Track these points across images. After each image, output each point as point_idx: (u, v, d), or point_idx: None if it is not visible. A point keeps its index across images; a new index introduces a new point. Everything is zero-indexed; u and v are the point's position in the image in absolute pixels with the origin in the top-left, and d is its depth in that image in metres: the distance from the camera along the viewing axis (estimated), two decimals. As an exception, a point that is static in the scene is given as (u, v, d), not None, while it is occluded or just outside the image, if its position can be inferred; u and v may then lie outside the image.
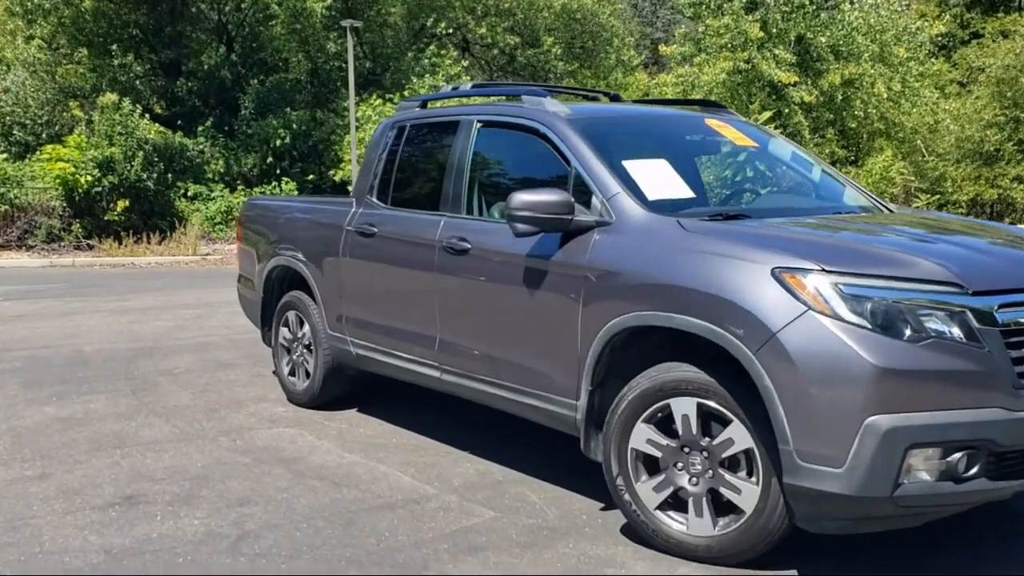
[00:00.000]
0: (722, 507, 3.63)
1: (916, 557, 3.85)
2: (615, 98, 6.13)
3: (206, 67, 24.18)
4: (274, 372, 7.19)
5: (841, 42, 23.57)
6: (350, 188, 20.68)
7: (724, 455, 3.56)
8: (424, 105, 5.61)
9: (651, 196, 4.08)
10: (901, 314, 3.23)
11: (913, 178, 24.17)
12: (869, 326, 3.21)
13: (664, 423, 3.72)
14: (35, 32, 23.82)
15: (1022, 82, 24.96)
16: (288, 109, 22.03)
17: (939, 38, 26.81)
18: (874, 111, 23.43)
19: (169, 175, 20.26)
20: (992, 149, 25.09)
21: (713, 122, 4.90)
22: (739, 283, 3.42)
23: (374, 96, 22.77)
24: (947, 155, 25.83)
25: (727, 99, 21.77)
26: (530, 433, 5.10)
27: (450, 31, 26.76)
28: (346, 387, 6.20)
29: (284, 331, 6.39)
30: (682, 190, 4.29)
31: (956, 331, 3.22)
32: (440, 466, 4.97)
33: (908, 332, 3.21)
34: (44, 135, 22.82)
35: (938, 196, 24.60)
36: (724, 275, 3.46)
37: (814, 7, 22.97)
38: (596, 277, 3.92)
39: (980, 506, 3.57)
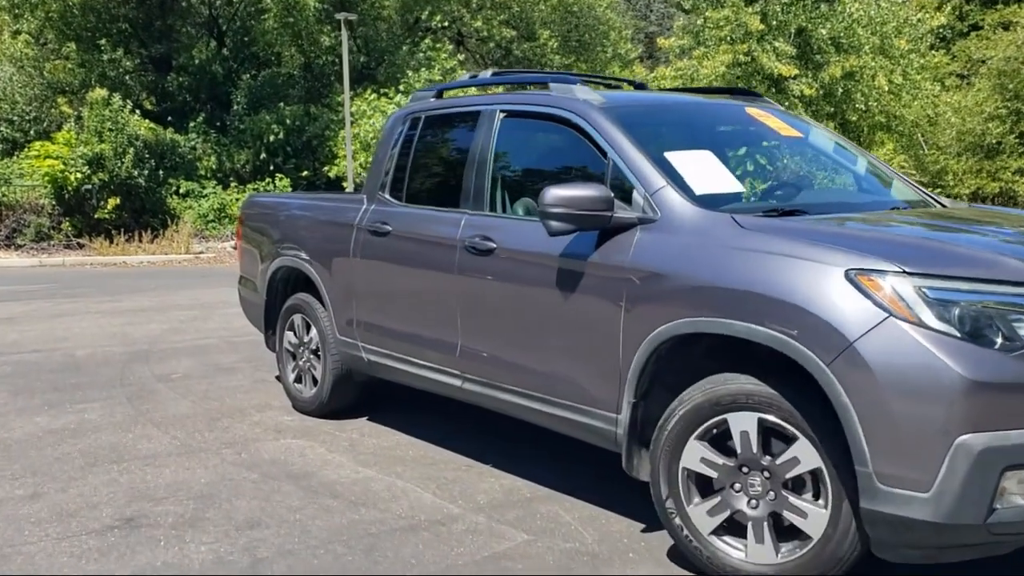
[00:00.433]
0: (784, 532, 3.30)
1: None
2: (640, 87, 5.79)
3: (197, 62, 23.76)
4: (277, 377, 6.86)
5: (842, 34, 23.24)
6: (345, 184, 20.34)
7: (788, 476, 3.24)
8: (440, 95, 5.27)
9: (698, 190, 3.75)
10: (991, 320, 2.91)
11: (914, 172, 23.91)
12: (957, 334, 2.88)
13: (719, 440, 3.39)
14: (22, 27, 23.37)
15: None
16: (281, 104, 21.62)
17: (940, 29, 26.52)
18: (875, 104, 23.12)
19: (160, 172, 19.84)
20: (993, 142, 24.84)
21: (754, 111, 4.57)
22: (809, 287, 3.08)
23: (368, 91, 22.39)
24: (948, 148, 25.58)
25: (727, 93, 21.41)
26: (554, 444, 4.77)
27: (445, 24, 26.38)
28: (356, 395, 5.87)
29: (289, 335, 6.05)
30: (730, 183, 3.96)
31: (1052, 338, 2.90)
32: (463, 482, 4.64)
33: (1000, 340, 2.89)
34: (32, 132, 22.37)
35: (939, 190, 24.34)
36: (791, 278, 3.13)
37: (814, -1, 22.67)
38: (640, 279, 3.58)
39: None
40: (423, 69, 22.53)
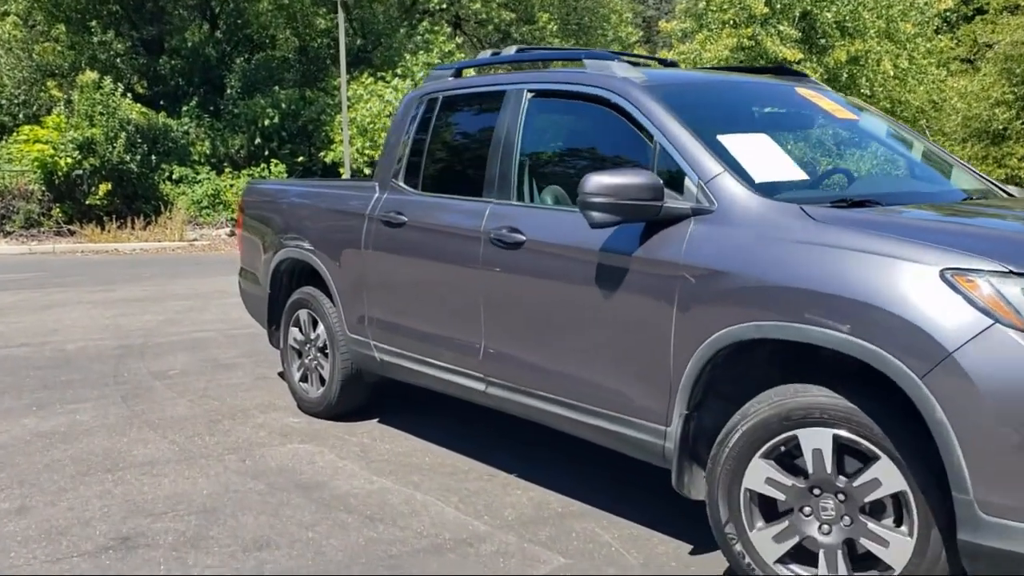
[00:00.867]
0: (861, 561, 2.95)
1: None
2: (672, 65, 5.42)
3: (190, 44, 23.26)
4: (280, 374, 6.50)
5: (847, 18, 22.87)
6: (342, 171, 19.91)
7: (867, 499, 2.88)
8: (459, 74, 4.88)
9: (758, 178, 3.38)
10: (1110, 327, 2.55)
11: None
12: (1073, 343, 2.52)
13: (787, 459, 3.03)
14: (9, 8, 22.83)
15: (1031, 59, 24.36)
16: (276, 88, 21.15)
17: (946, 12, 26.14)
18: (880, 89, 22.77)
19: (153, 157, 19.36)
20: (1000, 128, 24.50)
21: (804, 91, 4.20)
22: (898, 288, 2.72)
23: (365, 74, 21.94)
24: (953, 134, 25.24)
25: (731, 77, 21.04)
26: (583, 452, 4.41)
27: (443, 7, 25.89)
28: (366, 395, 5.51)
29: (295, 332, 5.67)
30: (791, 170, 3.59)
31: None
32: (487, 494, 4.28)
33: (1120, 349, 2.53)
34: (21, 115, 21.87)
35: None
36: (876, 278, 2.77)
37: (820, -20, 22.28)
38: (696, 277, 3.21)
39: None
40: (421, 52, 22.08)
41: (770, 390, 3.06)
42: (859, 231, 2.93)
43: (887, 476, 2.82)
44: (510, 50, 4.69)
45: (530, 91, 4.20)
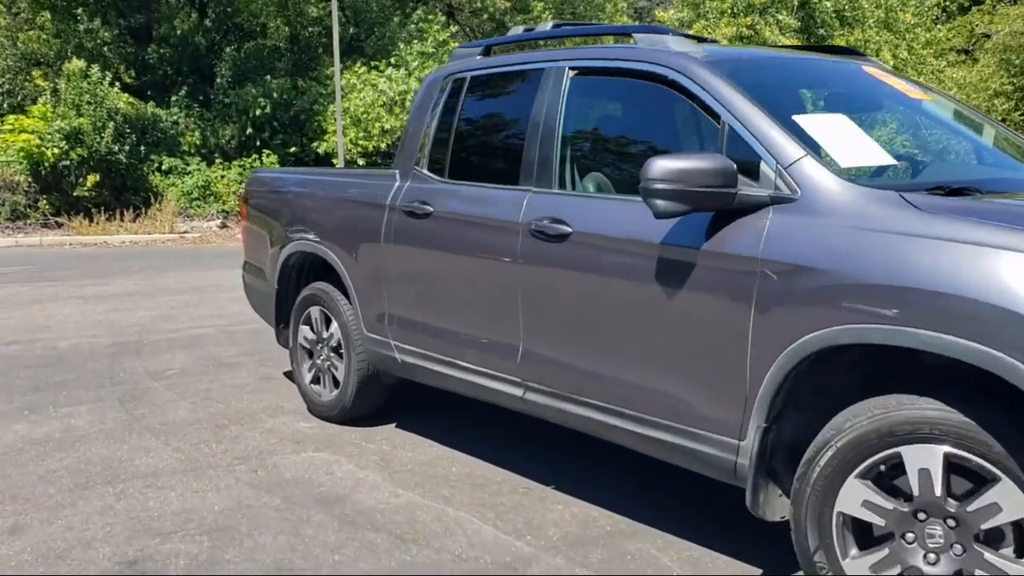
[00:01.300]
0: (971, 595, 2.61)
1: None
2: (712, 43, 5.05)
3: (178, 33, 22.74)
4: (286, 374, 6.14)
5: (846, 7, 22.59)
6: (335, 161, 19.49)
7: (983, 526, 2.54)
8: (487, 52, 4.51)
9: (843, 162, 3.03)
10: None
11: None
12: None
13: (886, 479, 2.69)
14: (-6, -5, 22.31)
15: (1031, 49, 24.10)
16: (268, 77, 20.67)
17: (943, 2, 25.87)
18: (880, 79, 22.43)
19: (142, 148, 18.87)
20: (999, 119, 24.22)
21: (873, 70, 3.85)
22: (1033, 288, 2.37)
23: (358, 63, 21.49)
24: (952, 125, 24.93)
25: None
26: (622, 461, 4.07)
27: (437, -5, 25.45)
28: (383, 398, 5.15)
29: (305, 330, 5.30)
30: (877, 154, 3.24)
31: None
32: (525, 510, 3.93)
33: None
34: (6, 105, 21.32)
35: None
36: (1005, 276, 2.42)
37: (819, -31, 21.97)
38: (778, 274, 2.86)
39: None
40: (415, 41, 21.64)
41: (866, 402, 2.72)
42: (977, 222, 2.57)
43: (1008, 500, 2.49)
44: (545, 25, 4.31)
45: (572, 69, 3.84)
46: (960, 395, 2.57)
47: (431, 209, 4.29)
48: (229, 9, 23.58)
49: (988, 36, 25.80)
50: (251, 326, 7.89)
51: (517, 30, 4.46)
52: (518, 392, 3.90)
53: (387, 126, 19.90)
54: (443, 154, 4.41)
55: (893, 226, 2.67)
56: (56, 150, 16.91)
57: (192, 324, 8.28)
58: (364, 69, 21.05)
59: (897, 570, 2.68)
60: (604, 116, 3.94)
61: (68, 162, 17.16)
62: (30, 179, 17.23)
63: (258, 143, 20.11)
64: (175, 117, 20.35)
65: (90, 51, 21.37)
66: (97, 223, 16.83)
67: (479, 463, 4.50)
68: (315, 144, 20.44)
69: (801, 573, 2.95)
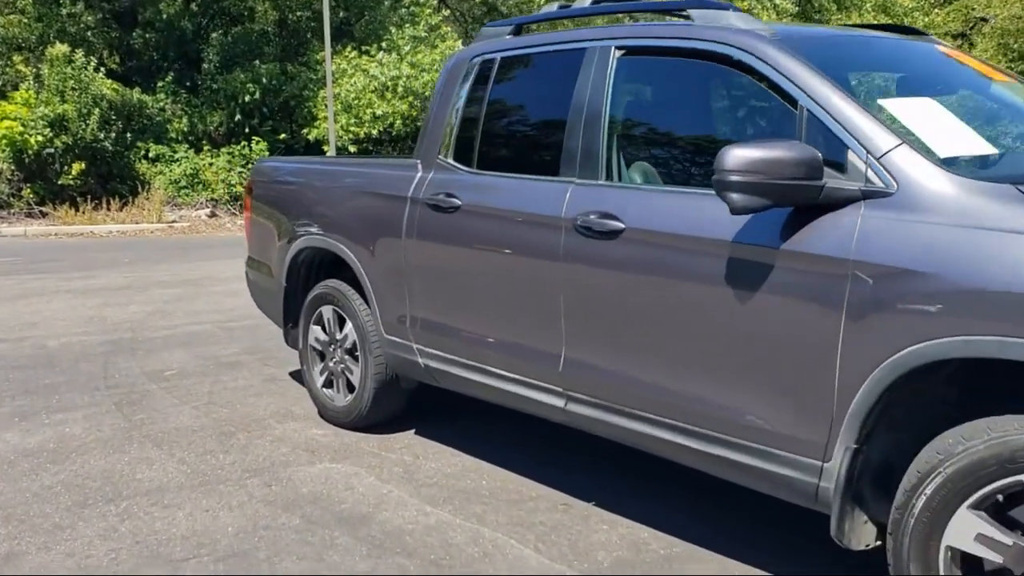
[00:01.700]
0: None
1: None
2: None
3: (164, 17, 22.19)
4: (292, 375, 5.81)
5: (844, -10, 22.31)
6: (326, 148, 19.07)
7: (1121, 565, 2.23)
8: (518, 31, 4.17)
9: (941, 152, 2.71)
10: None
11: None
12: None
13: (1004, 510, 2.38)
14: (-27, -21, 21.73)
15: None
16: (257, 62, 20.19)
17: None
18: (878, 63, 22.17)
19: (128, 135, 18.39)
20: (997, 104, 23.97)
21: (946, 50, 3.53)
22: None
23: (348, 48, 21.04)
24: (949, 110, 24.70)
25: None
26: (664, 473, 3.76)
27: (427, -22, 24.95)
28: (402, 404, 4.83)
29: (316, 331, 4.96)
30: (976, 143, 2.93)
31: None
32: (567, 530, 3.61)
33: None
34: (-13, 91, 20.80)
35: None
36: None
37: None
38: (874, 278, 2.54)
39: None
40: (407, 25, 21.20)
41: (979, 422, 2.41)
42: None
43: None
44: (583, 1, 3.96)
45: (620, 49, 3.50)
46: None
47: (459, 202, 3.96)
48: (216, -8, 23.06)
49: (985, 20, 25.53)
50: (249, 322, 7.56)
51: (551, 7, 4.11)
52: (559, 403, 3.58)
53: (379, 112, 19.49)
54: (471, 142, 4.07)
55: (1016, 225, 2.35)
56: (40, 137, 16.44)
57: (188, 320, 7.91)
58: (355, 54, 20.62)
59: (1017, 614, 2.37)
60: (656, 101, 3.61)
61: (52, 150, 16.69)
62: (13, 167, 16.75)
63: (247, 130, 19.66)
64: (162, 103, 19.87)
65: (73, 36, 20.81)
66: (83, 212, 16.39)
67: (510, 475, 4.18)
68: (305, 131, 20.01)
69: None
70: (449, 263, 4.02)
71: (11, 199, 16.66)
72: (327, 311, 4.86)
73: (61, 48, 17.73)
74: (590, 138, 3.48)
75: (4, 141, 16.41)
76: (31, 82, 18.11)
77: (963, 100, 3.42)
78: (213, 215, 17.65)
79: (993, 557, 2.38)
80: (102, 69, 18.56)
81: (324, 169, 5.10)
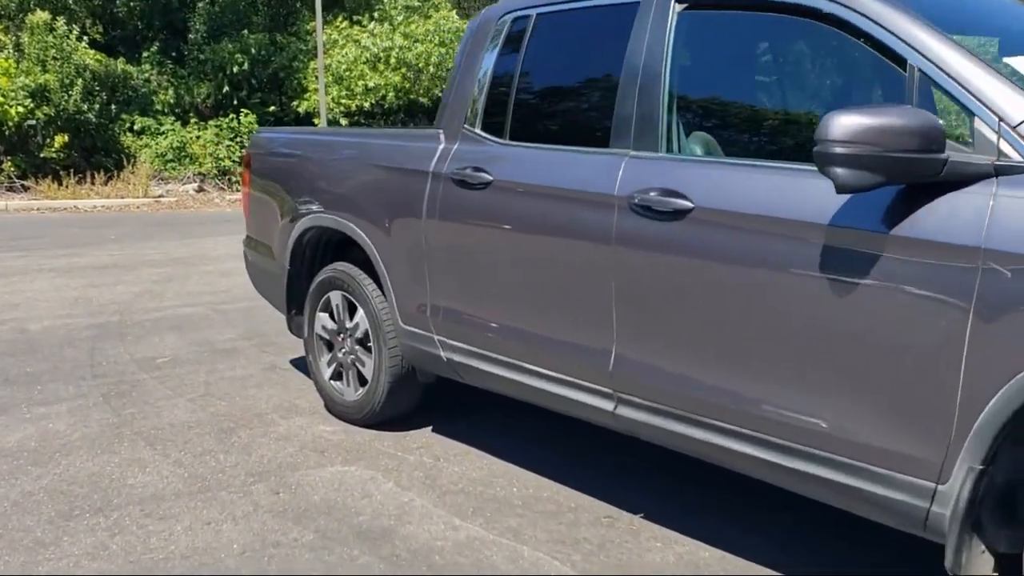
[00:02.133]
0: None
1: None
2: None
3: (148, -16, 21.56)
4: (293, 362, 5.41)
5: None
6: (317, 121, 18.54)
7: None
8: (556, -15, 3.72)
9: (1090, 121, 2.29)
10: None
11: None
12: None
13: None
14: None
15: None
16: (245, 32, 19.59)
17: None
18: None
19: (112, 106, 17.80)
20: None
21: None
22: None
23: (340, 18, 20.48)
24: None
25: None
26: (723, 476, 3.36)
27: (419, -54, 24.31)
28: (417, 399, 4.42)
29: (323, 318, 4.54)
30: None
31: None
32: (615, 547, 3.21)
33: None
34: (-36, 61, 20.12)
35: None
36: None
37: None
38: (1013, 271, 2.13)
39: None
40: (402, -8, 20.64)
41: None
42: None
43: None
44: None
45: (680, 2, 3.07)
46: None
47: (489, 178, 3.52)
48: (202, -40, 22.38)
49: None
50: (244, 304, 7.14)
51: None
52: (607, 405, 3.17)
53: (371, 84, 18.97)
54: (503, 110, 3.63)
55: None
56: (21, 108, 15.86)
57: (179, 302, 7.47)
58: (346, 24, 20.07)
59: None
60: (725, 61, 3.17)
61: (34, 121, 16.12)
62: (-7, 139, 16.20)
63: (235, 102, 19.09)
64: (147, 74, 19.28)
65: (54, 3, 20.13)
66: (66, 187, 15.85)
67: (543, 481, 3.77)
68: (295, 103, 19.47)
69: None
70: (477, 246, 3.59)
71: (-9, 173, 16.10)
72: (336, 297, 4.43)
73: (42, 16, 17.11)
74: (648, 104, 3.05)
75: (-17, 112, 15.82)
76: (11, 51, 17.48)
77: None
78: (201, 190, 17.13)
79: None
80: (85, 38, 17.95)
81: (332, 140, 4.64)
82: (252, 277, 5.27)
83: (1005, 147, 2.24)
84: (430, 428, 4.41)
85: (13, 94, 15.88)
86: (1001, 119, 2.26)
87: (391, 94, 19.06)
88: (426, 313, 3.88)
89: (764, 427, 2.68)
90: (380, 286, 4.15)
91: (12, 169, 16.12)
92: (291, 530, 3.34)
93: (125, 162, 16.94)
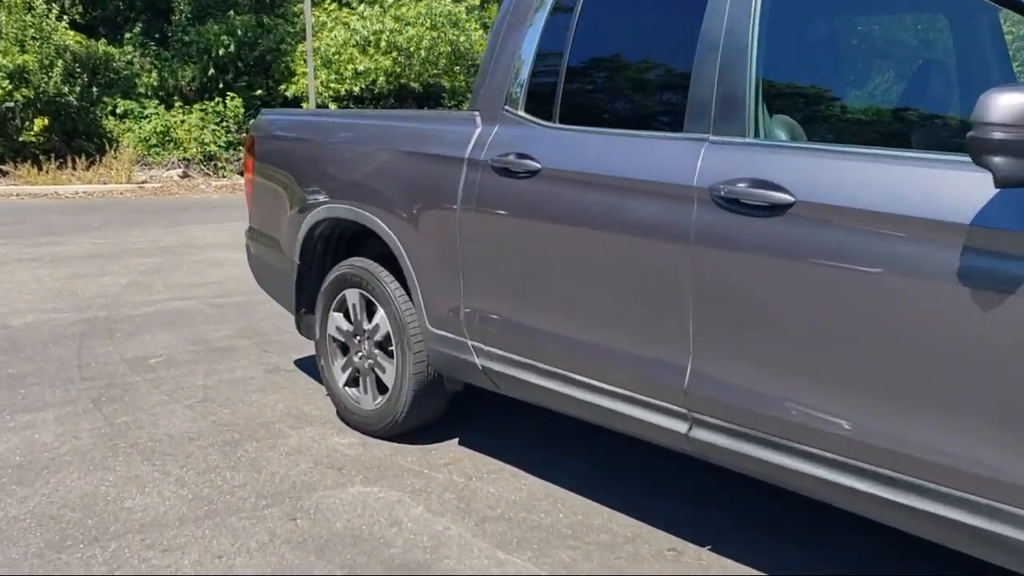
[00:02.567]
0: None
1: None
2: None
3: (130, -36, 20.95)
4: (299, 364, 5.00)
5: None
6: (305, 105, 18.02)
7: None
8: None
9: None
10: None
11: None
12: None
13: None
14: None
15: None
16: (231, 13, 19.03)
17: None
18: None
19: (94, 89, 17.22)
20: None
21: None
22: None
23: (328, 0, 19.95)
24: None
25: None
26: (798, 500, 2.98)
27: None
28: (443, 409, 4.01)
29: (338, 319, 4.12)
30: None
31: None
32: (691, 587, 2.82)
33: None
34: (-60, 42, 19.48)
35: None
36: None
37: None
38: None
39: None
40: (391, -24, 20.09)
41: None
42: None
43: None
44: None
45: (771, -39, 2.66)
46: None
47: (537, 165, 3.11)
48: (186, -62, 21.76)
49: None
50: (239, 297, 6.73)
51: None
52: (680, 427, 2.77)
53: (360, 68, 18.48)
54: (552, 89, 3.22)
55: None
56: (-1, 90, 15.29)
57: (169, 295, 7.02)
58: (335, 6, 19.56)
59: None
60: (828, 31, 2.77)
61: (12, 104, 15.54)
62: (-31, 123, 15.62)
63: (221, 85, 18.55)
64: (129, 56, 18.69)
65: (33, -17, 19.54)
66: (47, 171, 15.30)
67: (592, 505, 3.38)
68: (283, 87, 18.95)
69: None
70: (523, 242, 3.18)
71: (-32, 156, 15.53)
72: (352, 295, 4.01)
73: (20, -6, 16.52)
74: (731, 81, 2.65)
75: (-41, 94, 15.25)
76: (-12, 31, 16.87)
77: None
78: (186, 175, 16.61)
79: None
80: (64, 18, 17.35)
81: (349, 123, 4.20)
82: (255, 272, 4.84)
83: None
84: (456, 440, 4.01)
85: (-9, 75, 15.30)
86: None
87: (381, 78, 18.59)
88: (459, 316, 3.47)
89: (887, 461, 2.29)
90: (404, 284, 3.75)
91: (-10, 153, 15.56)
92: (314, 565, 2.93)
93: (107, 147, 16.39)
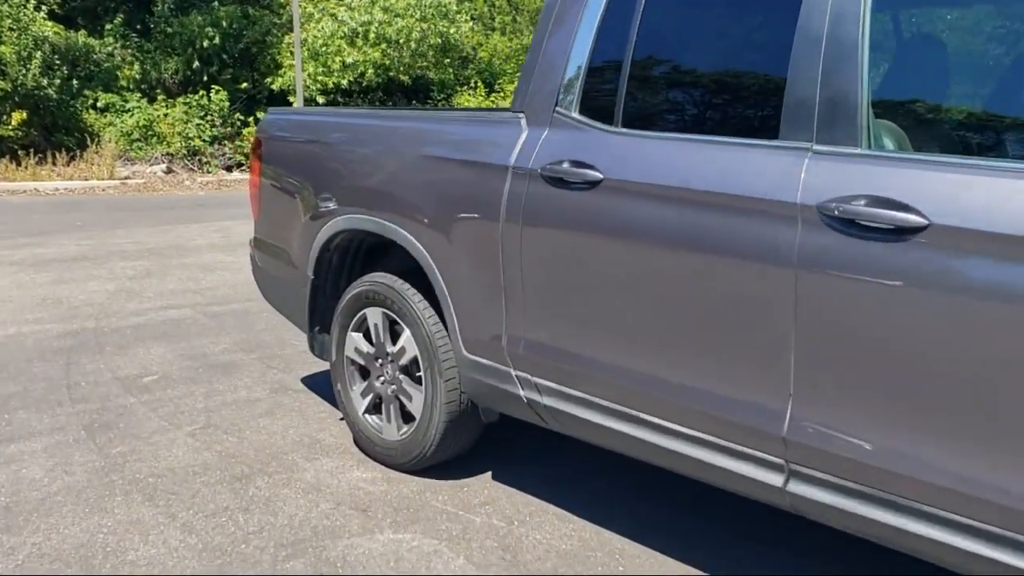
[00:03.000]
0: None
1: None
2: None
3: (110, -47, 20.40)
4: (306, 382, 4.61)
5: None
6: (292, 100, 17.58)
7: None
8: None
9: None
10: None
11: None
12: None
13: None
14: None
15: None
16: (216, 4, 18.53)
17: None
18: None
19: (74, 82, 16.71)
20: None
21: None
22: None
23: (315, -10, 19.49)
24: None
25: None
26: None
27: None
28: (473, 441, 3.63)
29: (357, 339, 3.73)
30: None
31: None
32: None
33: None
34: (-86, 32, 18.89)
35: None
36: None
37: None
38: None
39: None
40: (380, -34, 19.63)
41: None
42: None
43: None
44: None
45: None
46: None
47: (598, 176, 2.74)
48: (167, -73, 21.22)
49: None
50: (236, 305, 6.35)
51: None
52: (775, 480, 2.40)
53: (349, 60, 18.04)
54: (613, 88, 2.84)
55: None
56: (-26, 84, 14.78)
57: (160, 303, 6.61)
58: (323, -3, 19.10)
59: None
60: (953, 23, 2.41)
61: (-11, 97, 15.04)
62: (-55, 117, 15.09)
63: (205, 78, 18.06)
64: (110, 48, 18.15)
65: (9, -28, 18.97)
66: (26, 167, 14.79)
67: (654, 555, 3.02)
68: (269, 80, 18.47)
69: None
70: (582, 262, 2.80)
71: (-56, 152, 15.01)
72: (374, 315, 3.63)
73: (-3, -16, 15.98)
74: (839, 82, 2.28)
75: (-66, 87, 14.72)
76: (-37, 22, 16.32)
77: None
78: (169, 171, 16.15)
79: None
80: (43, 8, 16.81)
81: (371, 125, 3.79)
82: (262, 286, 4.44)
83: None
84: (489, 474, 3.64)
85: (-34, 67, 14.78)
86: None
87: (370, 71, 18.16)
88: (500, 341, 3.09)
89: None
90: (435, 305, 3.36)
91: (-34, 148, 15.04)
92: (350, 636, 2.55)
93: (88, 141, 15.90)
